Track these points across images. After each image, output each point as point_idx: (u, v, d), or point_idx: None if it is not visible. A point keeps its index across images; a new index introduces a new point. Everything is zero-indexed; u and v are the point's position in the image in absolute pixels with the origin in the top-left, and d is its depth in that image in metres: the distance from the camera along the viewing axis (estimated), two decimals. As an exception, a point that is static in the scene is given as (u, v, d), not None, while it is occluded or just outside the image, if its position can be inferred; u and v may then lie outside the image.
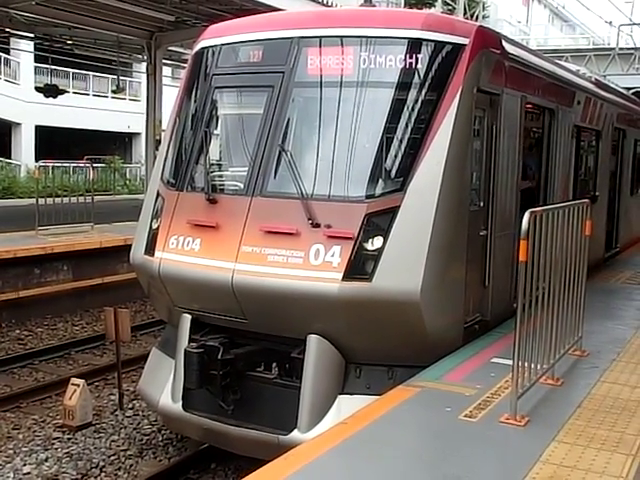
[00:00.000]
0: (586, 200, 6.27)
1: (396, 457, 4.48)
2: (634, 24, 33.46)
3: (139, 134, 34.61)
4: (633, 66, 30.35)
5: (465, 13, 30.53)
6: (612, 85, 15.36)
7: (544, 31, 60.81)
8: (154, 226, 7.17)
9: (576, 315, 6.17)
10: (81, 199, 15.69)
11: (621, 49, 31.11)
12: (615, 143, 12.93)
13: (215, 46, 7.45)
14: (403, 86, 6.44)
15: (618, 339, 7.42)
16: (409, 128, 6.35)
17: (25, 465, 7.47)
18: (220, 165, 7.36)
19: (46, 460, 7.60)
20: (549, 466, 4.35)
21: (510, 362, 4.97)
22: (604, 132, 11.93)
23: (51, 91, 24.11)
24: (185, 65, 8.76)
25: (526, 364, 5.05)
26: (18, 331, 12.45)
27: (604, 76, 22.83)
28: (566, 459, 4.45)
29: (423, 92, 6.43)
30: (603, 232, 12.19)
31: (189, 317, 6.86)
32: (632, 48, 31.52)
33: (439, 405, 5.31)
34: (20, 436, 8.29)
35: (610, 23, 35.99)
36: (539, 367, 5.35)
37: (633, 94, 20.85)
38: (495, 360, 6.35)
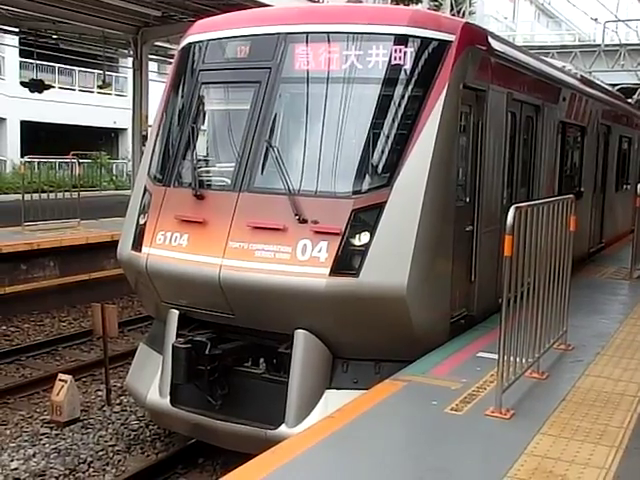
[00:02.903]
0: (571, 196, 6.33)
1: (383, 450, 4.52)
2: (619, 20, 33.64)
3: (125, 129, 34.47)
4: (618, 63, 30.51)
5: (452, 9, 30.61)
6: (597, 81, 15.47)
7: (530, 27, 61.08)
8: (141, 222, 7.17)
9: (561, 309, 6.23)
10: (67, 195, 15.62)
11: (607, 46, 31.28)
12: (600, 139, 13.02)
13: (202, 42, 7.45)
14: (390, 82, 6.47)
15: (602, 333, 7.50)
16: (395, 124, 6.39)
17: (13, 461, 7.46)
18: (207, 161, 7.37)
19: (34, 456, 7.59)
20: (534, 458, 4.40)
21: (496, 356, 5.03)
22: (589, 128, 12.02)
23: (36, 86, 23.91)
24: (171, 60, 8.75)
25: (511, 358, 5.10)
26: (4, 327, 12.39)
27: (590, 72, 22.98)
28: (550, 451, 4.51)
29: (410, 88, 6.46)
30: (588, 228, 12.28)
31: (177, 312, 6.87)
32: (617, 45, 31.68)
33: (425, 399, 5.35)
34: (7, 432, 8.27)
35: (596, 20, 36.17)
36: (524, 361, 5.40)
37: (618, 90, 21.02)
38: (481, 354, 6.40)
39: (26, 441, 7.99)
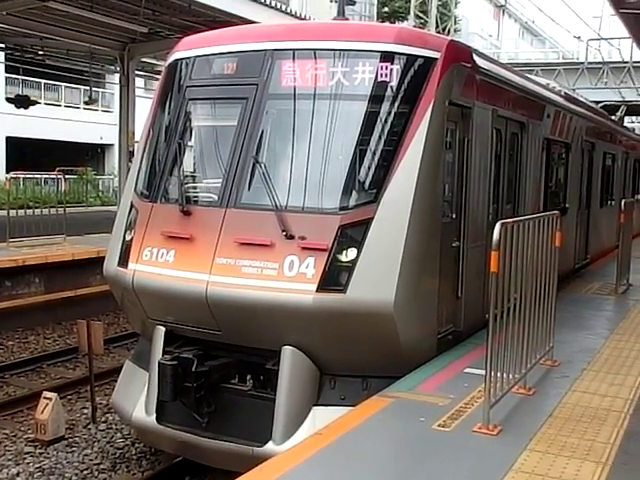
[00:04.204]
0: (556, 212, 6.37)
1: (371, 467, 4.50)
2: (602, 39, 34.07)
3: (112, 145, 34.41)
4: (602, 80, 30.89)
5: (437, 27, 30.87)
6: (581, 99, 15.62)
7: (515, 45, 61.78)
8: (127, 238, 7.14)
9: (547, 325, 6.25)
10: (53, 211, 15.55)
11: (590, 63, 31.67)
12: (584, 156, 13.14)
13: (189, 58, 7.47)
14: (376, 99, 6.50)
15: (588, 349, 7.52)
16: (382, 140, 6.42)
17: (-5, 480, 7.39)
18: (194, 177, 7.37)
19: (17, 475, 7.51)
20: (521, 474, 4.40)
21: (483, 372, 5.03)
22: (574, 145, 12.12)
23: (22, 102, 23.87)
24: (158, 76, 8.77)
25: (498, 374, 5.11)
26: (-12, 344, 12.30)
27: (573, 90, 23.20)
28: (538, 467, 4.51)
29: (396, 105, 6.50)
30: (573, 243, 12.36)
31: (163, 329, 6.83)
32: (600, 62, 32.09)
33: (413, 415, 5.35)
34: (-10, 451, 8.18)
35: (579, 38, 36.64)
36: (511, 377, 5.41)
37: (602, 108, 21.25)
38: (468, 370, 6.41)
39: (10, 460, 7.90)
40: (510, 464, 4.53)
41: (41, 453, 8.07)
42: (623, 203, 10.54)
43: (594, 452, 4.79)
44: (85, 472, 7.60)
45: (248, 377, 6.82)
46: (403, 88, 6.54)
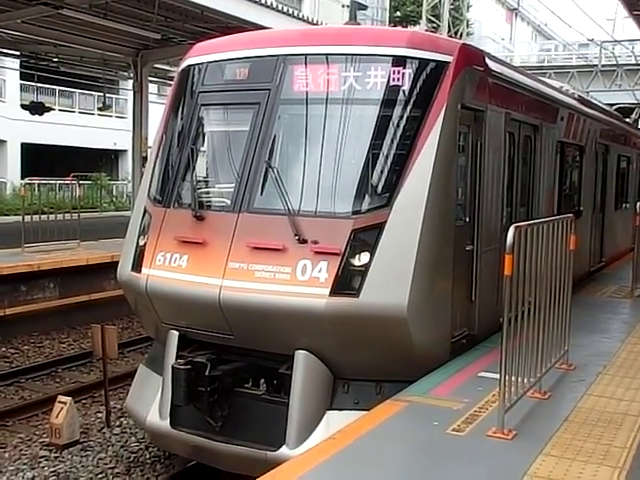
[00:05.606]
0: (570, 215, 6.33)
1: (385, 472, 4.48)
2: (616, 41, 33.90)
3: (125, 151, 34.58)
4: (615, 82, 30.76)
5: (449, 30, 30.81)
6: (595, 101, 15.54)
7: (528, 48, 61.53)
8: (141, 243, 7.17)
9: (562, 329, 6.22)
10: (67, 216, 15.64)
11: (603, 66, 31.54)
12: (599, 158, 13.06)
13: (201, 64, 7.49)
14: (388, 103, 6.50)
15: (604, 352, 7.47)
16: (394, 144, 6.41)
17: (11, 485, 7.42)
18: (207, 182, 7.38)
19: (33, 479, 7.54)
20: (536, 479, 4.37)
21: (497, 376, 5.00)
22: (588, 148, 12.06)
23: (37, 108, 24.05)
24: (171, 82, 8.79)
25: (513, 378, 5.08)
26: (4, 349, 12.36)
27: (587, 92, 23.11)
28: (553, 472, 4.47)
29: (408, 109, 6.49)
30: (588, 246, 12.28)
31: (176, 333, 6.84)
32: (614, 65, 31.94)
33: (427, 419, 5.32)
34: (6, 455, 8.22)
35: (592, 40, 36.45)
36: (526, 381, 5.38)
37: (616, 110, 21.14)
38: (482, 374, 6.38)
39: (25, 464, 7.94)
40: (525, 469, 4.49)
41: (56, 457, 8.11)
42: (638, 206, 10.47)
43: (611, 457, 4.75)
44: (99, 476, 7.63)
45: (261, 381, 6.82)
46: (415, 92, 6.53)
